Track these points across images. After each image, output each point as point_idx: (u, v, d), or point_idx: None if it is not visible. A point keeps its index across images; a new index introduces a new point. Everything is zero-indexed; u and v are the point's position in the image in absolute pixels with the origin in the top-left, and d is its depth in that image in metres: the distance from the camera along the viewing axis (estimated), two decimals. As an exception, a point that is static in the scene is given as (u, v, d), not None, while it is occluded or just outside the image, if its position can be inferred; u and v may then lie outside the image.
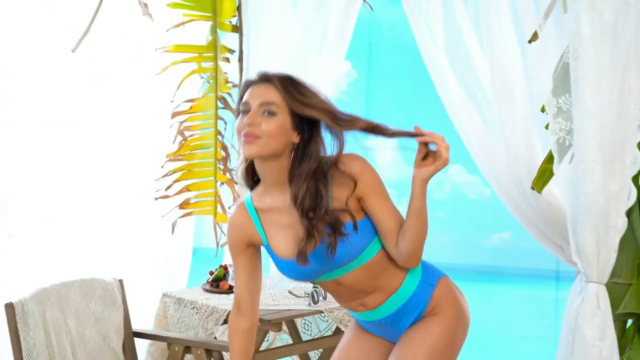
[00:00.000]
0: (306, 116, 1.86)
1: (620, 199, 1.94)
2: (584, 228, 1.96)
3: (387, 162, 6.47)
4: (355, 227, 1.88)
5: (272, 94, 1.85)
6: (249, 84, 1.93)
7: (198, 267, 4.43)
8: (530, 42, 2.24)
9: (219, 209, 4.18)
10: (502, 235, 5.39)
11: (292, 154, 1.89)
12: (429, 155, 1.83)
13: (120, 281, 3.05)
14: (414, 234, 1.87)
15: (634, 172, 2.03)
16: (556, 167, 2.15)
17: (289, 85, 1.87)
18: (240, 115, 1.89)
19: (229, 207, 4.20)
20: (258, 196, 2.00)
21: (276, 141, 1.85)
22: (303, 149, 1.88)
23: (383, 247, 1.96)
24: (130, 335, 3.02)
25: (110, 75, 3.93)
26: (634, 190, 2.01)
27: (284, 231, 1.96)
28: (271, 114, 1.84)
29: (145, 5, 3.88)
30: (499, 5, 2.34)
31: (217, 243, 4.21)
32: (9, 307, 2.56)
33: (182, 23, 4.09)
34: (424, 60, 2.93)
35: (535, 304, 5.64)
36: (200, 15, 4.14)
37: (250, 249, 2.05)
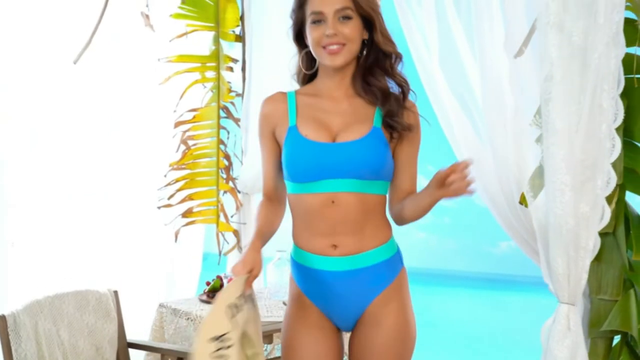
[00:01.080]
0: (368, 16, 1.98)
1: (591, 220, 1.92)
2: (555, 249, 1.95)
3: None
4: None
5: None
6: None
7: (207, 273, 4.46)
8: (515, 57, 2.23)
9: (222, 218, 4.21)
10: (510, 242, 5.37)
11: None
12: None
13: (115, 292, 3.08)
14: (410, 212, 2.07)
15: (608, 193, 2.01)
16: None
17: None
18: (313, 25, 1.97)
19: (232, 216, 4.23)
20: (304, 88, 2.12)
21: (357, 44, 1.99)
22: (370, 45, 2.04)
23: (385, 197, 2.07)
24: (125, 346, 3.05)
25: (113, 85, 3.98)
26: (608, 211, 2.00)
27: (319, 114, 2.03)
28: (347, 18, 1.95)
29: (147, 16, 3.92)
30: (491, 16, 2.33)
31: (220, 252, 4.26)
32: (1, 319, 2.60)
33: (185, 33, 4.13)
34: (417, 70, 2.93)
35: (544, 312, 5.63)
36: (203, 25, 4.18)
37: (273, 137, 2.10)
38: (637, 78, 2.38)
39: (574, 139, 1.88)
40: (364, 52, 2.06)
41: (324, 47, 1.96)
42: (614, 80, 1.92)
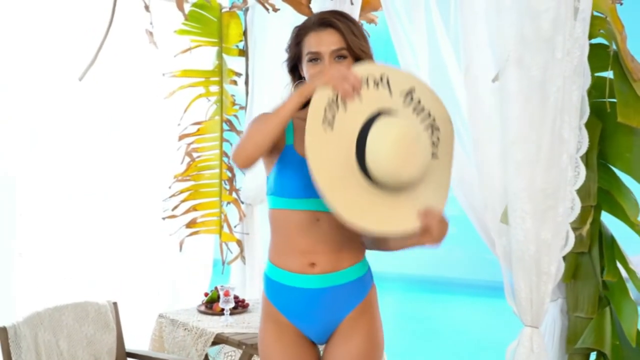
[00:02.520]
0: (359, 57, 2.09)
1: (553, 246, 1.99)
2: (517, 274, 2.02)
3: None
4: None
5: (339, 40, 2.06)
6: (308, 30, 2.10)
7: (218, 280, 4.54)
8: (493, 81, 2.30)
9: (225, 228, 4.31)
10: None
11: None
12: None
13: (115, 304, 3.19)
14: (395, 243, 2.14)
15: (572, 218, 2.08)
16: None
17: (351, 29, 2.08)
18: (310, 63, 2.08)
19: (235, 226, 4.33)
20: (298, 113, 2.12)
21: None
22: None
23: None
24: (124, 355, 3.17)
25: (119, 99, 4.09)
26: (572, 236, 2.07)
27: None
28: (342, 57, 2.07)
29: (151, 34, 4.02)
30: (477, 35, 2.37)
31: (224, 261, 4.36)
32: (2, 331, 2.72)
33: (190, 49, 4.24)
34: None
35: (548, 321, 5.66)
36: (207, 41, 4.28)
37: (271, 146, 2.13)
38: (610, 102, 2.45)
39: (534, 169, 1.95)
40: None
41: None
42: (576, 111, 1.99)
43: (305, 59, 2.11)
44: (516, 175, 1.97)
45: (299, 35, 2.13)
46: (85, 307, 3.08)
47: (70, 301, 3.05)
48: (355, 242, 2.16)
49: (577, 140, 2.05)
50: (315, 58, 2.07)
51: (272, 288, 2.19)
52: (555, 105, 1.91)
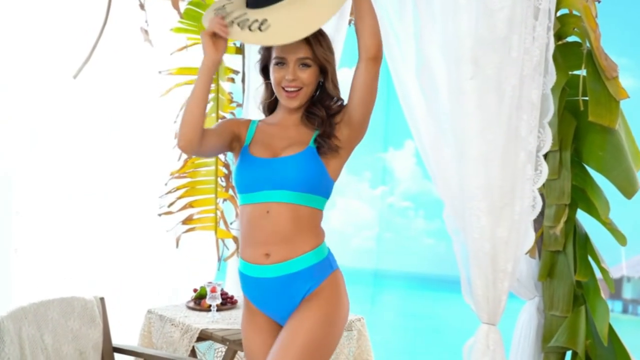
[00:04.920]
0: (323, 66, 2.24)
1: (510, 244, 1.99)
2: (473, 271, 2.03)
3: (406, 175, 6.53)
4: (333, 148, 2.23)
5: (306, 50, 2.20)
6: None
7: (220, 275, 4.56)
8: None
9: (221, 225, 4.33)
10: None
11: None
12: None
13: (102, 299, 3.22)
14: (366, 22, 2.15)
15: (534, 217, 2.08)
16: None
17: (319, 41, 2.22)
18: (277, 66, 2.22)
19: (231, 223, 4.35)
20: (266, 119, 2.38)
21: (312, 88, 2.25)
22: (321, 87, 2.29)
23: (320, 212, 2.25)
24: (110, 350, 3.20)
25: (116, 97, 4.12)
26: (531, 233, 2.06)
27: (269, 139, 2.27)
28: (306, 65, 2.21)
29: (146, 32, 4.05)
30: (433, 36, 2.35)
31: (219, 258, 4.38)
32: (-15, 325, 2.76)
33: (186, 46, 4.25)
34: (393, 80, 2.99)
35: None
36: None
37: (228, 138, 2.29)
38: (583, 100, 2.44)
39: (489, 166, 1.95)
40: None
41: (283, 88, 2.22)
42: (536, 109, 1.98)
43: (272, 62, 2.24)
44: (471, 172, 1.97)
45: None
46: (71, 302, 3.11)
47: (57, 296, 3.08)
48: (311, 232, 2.25)
49: (539, 139, 2.04)
50: (281, 62, 2.21)
51: (241, 279, 2.36)
52: (510, 103, 1.91)
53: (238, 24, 2.15)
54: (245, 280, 2.30)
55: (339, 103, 2.31)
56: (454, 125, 2.04)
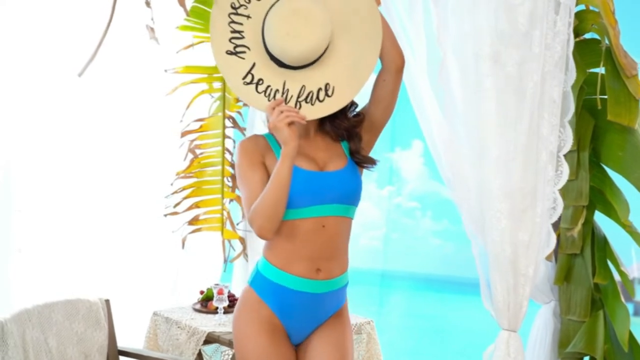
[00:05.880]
0: None
1: (531, 247, 1.93)
2: (493, 276, 1.96)
3: (413, 175, 6.47)
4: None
5: None
6: None
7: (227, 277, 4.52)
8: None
9: (228, 226, 4.28)
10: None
11: None
12: None
13: (107, 301, 3.17)
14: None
15: (554, 219, 2.01)
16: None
17: None
18: None
19: (238, 224, 4.29)
20: None
21: None
22: None
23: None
24: (115, 353, 3.14)
25: (121, 95, 4.07)
26: (553, 237, 2.00)
27: (303, 149, 2.21)
28: None
29: (152, 29, 3.99)
30: (451, 32, 2.30)
31: (226, 259, 4.33)
32: (-12, 328, 2.70)
33: (192, 45, 4.19)
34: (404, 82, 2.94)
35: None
36: (210, 37, 4.21)
37: (264, 166, 2.21)
38: (601, 99, 2.38)
39: (510, 167, 1.88)
40: None
41: None
42: (557, 108, 1.92)
43: None
44: (491, 173, 1.90)
45: None
46: (76, 305, 3.06)
47: (61, 298, 3.03)
48: (347, 244, 2.27)
49: (560, 138, 1.97)
50: None
51: (270, 288, 2.23)
52: (532, 101, 1.84)
53: (306, 101, 2.11)
54: (283, 293, 2.21)
55: (354, 108, 2.29)
56: (472, 125, 1.97)
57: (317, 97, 2.09)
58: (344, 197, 2.16)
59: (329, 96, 2.09)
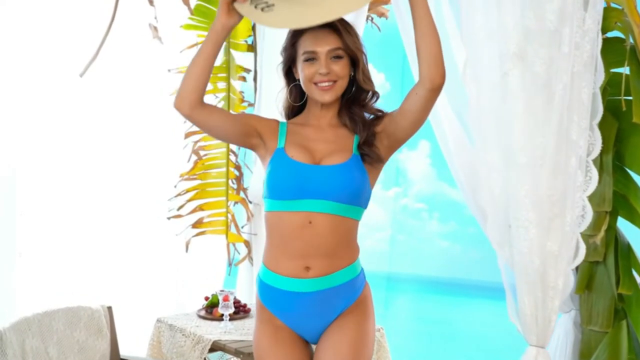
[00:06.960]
0: (354, 56, 2.09)
1: (560, 258, 1.83)
2: (521, 289, 1.86)
3: (420, 177, 6.39)
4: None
5: (336, 40, 2.05)
6: (304, 30, 2.07)
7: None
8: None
9: (233, 229, 4.19)
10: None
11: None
12: None
13: (109, 308, 3.07)
14: (426, 46, 1.94)
15: (584, 228, 1.91)
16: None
17: (347, 29, 2.08)
18: (307, 63, 2.06)
19: (242, 227, 4.21)
20: (294, 119, 2.20)
21: (346, 80, 2.09)
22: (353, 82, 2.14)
23: (357, 223, 2.13)
24: (118, 362, 3.05)
25: (124, 96, 3.99)
26: (583, 247, 1.90)
27: (305, 141, 2.12)
28: (338, 57, 2.06)
29: (155, 28, 3.91)
30: (477, 31, 2.20)
31: (230, 263, 4.24)
32: (-13, 337, 2.61)
33: (196, 44, 4.11)
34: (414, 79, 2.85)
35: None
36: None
37: (256, 131, 2.12)
38: (626, 100, 2.28)
39: (539, 173, 1.78)
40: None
41: (315, 84, 2.06)
42: (586, 110, 1.82)
43: (301, 58, 2.09)
44: (519, 180, 1.80)
45: (295, 36, 2.13)
46: (77, 312, 2.96)
47: (62, 306, 2.93)
48: (350, 244, 2.14)
49: (588, 142, 1.87)
50: (312, 57, 2.06)
51: (267, 292, 2.18)
52: (561, 103, 1.74)
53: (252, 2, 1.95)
54: (276, 294, 2.14)
55: (374, 99, 2.16)
56: (498, 129, 1.87)
57: (261, 7, 1.89)
58: (334, 194, 2.04)
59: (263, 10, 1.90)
